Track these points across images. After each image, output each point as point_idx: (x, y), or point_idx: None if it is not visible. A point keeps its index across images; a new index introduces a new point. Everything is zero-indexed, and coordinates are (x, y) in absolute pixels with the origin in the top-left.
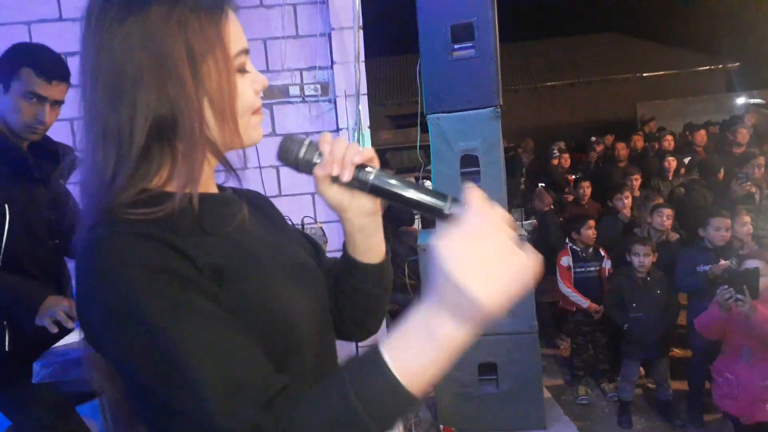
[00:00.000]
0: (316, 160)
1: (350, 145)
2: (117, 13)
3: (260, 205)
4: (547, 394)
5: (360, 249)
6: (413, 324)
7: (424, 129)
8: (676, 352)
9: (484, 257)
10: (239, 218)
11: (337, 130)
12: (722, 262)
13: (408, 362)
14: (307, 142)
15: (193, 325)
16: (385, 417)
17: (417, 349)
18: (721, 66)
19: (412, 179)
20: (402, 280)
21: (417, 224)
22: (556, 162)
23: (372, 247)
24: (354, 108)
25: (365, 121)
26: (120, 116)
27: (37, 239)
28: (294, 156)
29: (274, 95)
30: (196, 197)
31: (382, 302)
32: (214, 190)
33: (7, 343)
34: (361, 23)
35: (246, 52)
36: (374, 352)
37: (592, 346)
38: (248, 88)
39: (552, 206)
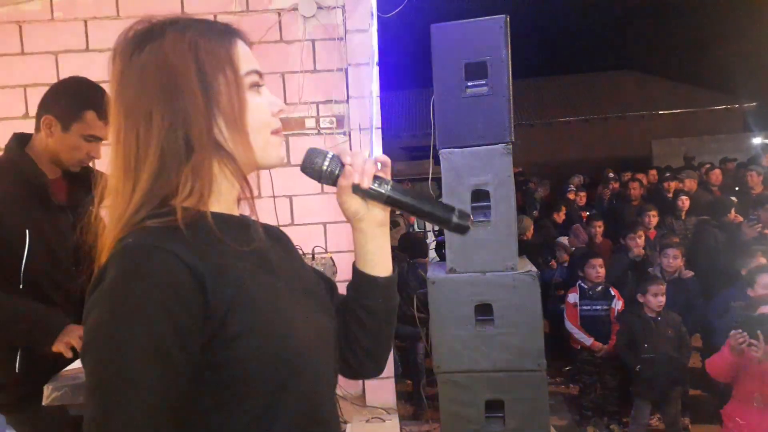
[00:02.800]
0: (338, 171)
1: (369, 158)
2: (136, 46)
3: (279, 237)
4: None
5: (371, 261)
6: None
7: (437, 161)
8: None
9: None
10: (257, 241)
11: None
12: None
13: None
14: (330, 154)
15: (144, 387)
16: None
17: None
18: (737, 105)
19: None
20: (411, 312)
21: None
22: (572, 196)
23: (381, 259)
24: (368, 140)
25: (378, 153)
26: (138, 137)
27: (59, 265)
28: (318, 167)
29: (291, 127)
30: (208, 212)
31: (390, 324)
32: (237, 213)
33: (17, 365)
34: (377, 59)
35: (258, 73)
36: None
37: (601, 387)
38: (263, 106)
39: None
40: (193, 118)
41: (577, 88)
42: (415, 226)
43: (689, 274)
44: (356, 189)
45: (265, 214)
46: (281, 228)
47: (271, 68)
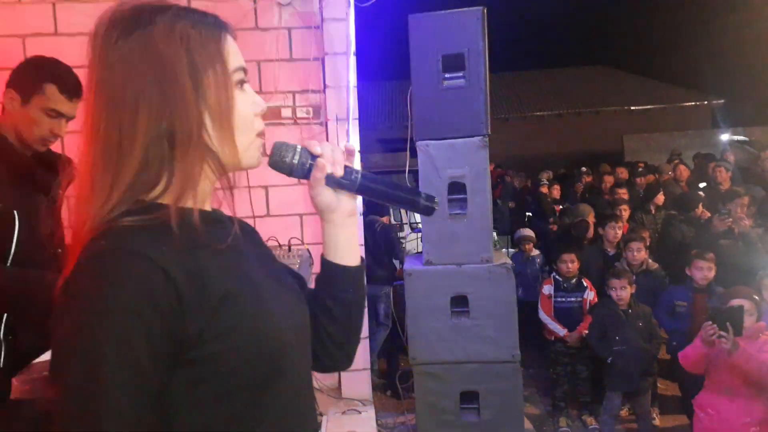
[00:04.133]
0: (309, 163)
1: (336, 147)
2: (122, 32)
3: (250, 232)
4: (528, 424)
5: (341, 251)
6: None
7: (414, 154)
8: (662, 385)
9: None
10: (232, 237)
11: None
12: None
13: None
14: (299, 147)
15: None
16: None
17: None
18: (706, 102)
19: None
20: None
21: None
22: (545, 190)
23: (351, 249)
24: (345, 131)
25: (357, 145)
26: (121, 129)
27: (40, 246)
28: (289, 161)
29: (267, 117)
30: (196, 210)
31: (359, 315)
32: (209, 208)
33: (2, 360)
34: (354, 49)
35: (244, 70)
36: None
37: (574, 378)
38: (247, 106)
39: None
40: (181, 114)
41: (550, 83)
42: (392, 219)
43: (654, 266)
44: (329, 180)
45: (240, 205)
46: (257, 219)
47: (246, 56)
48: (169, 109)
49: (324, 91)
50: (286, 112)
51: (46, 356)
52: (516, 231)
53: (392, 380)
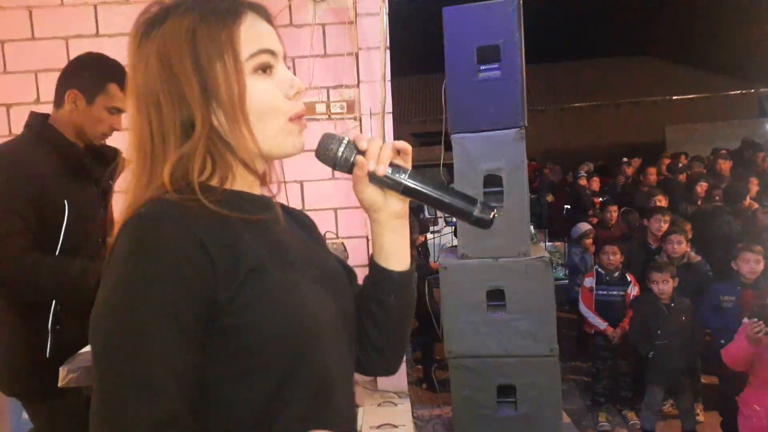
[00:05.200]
0: (354, 158)
1: (386, 144)
2: (144, 33)
3: (302, 219)
4: (566, 419)
5: (387, 253)
6: None
7: (448, 147)
8: (705, 380)
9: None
10: (274, 218)
11: None
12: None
13: None
14: (345, 140)
15: (159, 349)
16: None
17: None
18: (753, 91)
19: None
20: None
21: None
22: (583, 182)
23: (398, 252)
24: (378, 126)
25: (390, 138)
26: (151, 124)
27: (89, 236)
28: (333, 153)
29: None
30: (226, 189)
31: (403, 323)
32: (257, 192)
33: (48, 349)
34: (387, 44)
35: (269, 52)
36: None
37: (614, 373)
38: (270, 92)
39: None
40: (193, 107)
41: (589, 74)
42: (426, 213)
43: (696, 258)
44: (372, 177)
45: (277, 199)
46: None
47: None
48: (185, 103)
49: (358, 86)
50: (321, 108)
51: None
52: (573, 227)
53: (428, 373)
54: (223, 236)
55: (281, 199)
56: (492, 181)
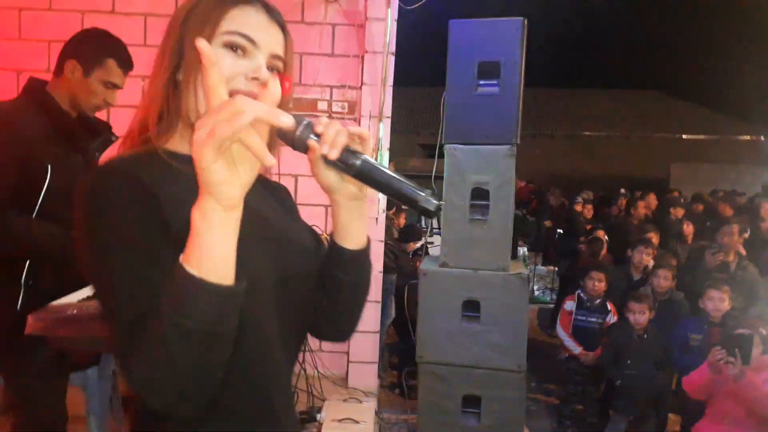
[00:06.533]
0: (310, 140)
1: (342, 129)
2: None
3: (277, 189)
4: None
5: (342, 231)
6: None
7: (443, 157)
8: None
9: (204, 131)
10: None
11: None
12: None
13: (200, 258)
14: (305, 122)
15: (134, 262)
16: (201, 312)
17: (200, 241)
18: (762, 138)
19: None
20: None
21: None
22: (579, 208)
23: (353, 232)
24: (377, 129)
25: (386, 142)
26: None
27: (69, 203)
28: (291, 136)
29: (303, 108)
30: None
31: (354, 299)
32: None
33: (20, 302)
34: (392, 49)
35: (244, 36)
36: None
37: (584, 398)
38: (231, 65)
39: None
40: (163, 62)
41: (602, 103)
42: (423, 223)
43: (680, 295)
44: (326, 161)
45: None
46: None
47: None
48: (169, 63)
49: (360, 88)
50: (322, 105)
51: (62, 300)
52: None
53: (401, 379)
54: (170, 186)
55: None
56: (479, 194)
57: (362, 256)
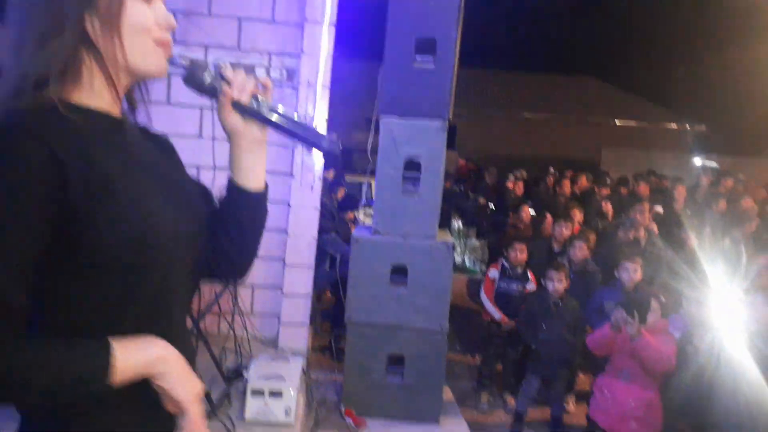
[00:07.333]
0: (220, 86)
1: (250, 76)
2: None
3: (163, 144)
4: (451, 396)
5: (244, 173)
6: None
7: (378, 130)
8: (584, 377)
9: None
10: (128, 139)
11: None
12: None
13: (125, 378)
14: (212, 68)
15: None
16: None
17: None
18: (688, 126)
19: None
20: None
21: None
22: (510, 185)
23: (255, 173)
24: (315, 98)
25: (323, 112)
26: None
27: None
28: (200, 80)
29: None
30: (73, 103)
31: (254, 236)
32: (117, 114)
33: None
34: (333, 19)
35: None
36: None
37: (503, 359)
38: (145, 13)
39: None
40: (64, 7)
41: (541, 87)
42: (365, 198)
43: (593, 266)
44: (235, 105)
45: (204, 155)
46: (217, 171)
47: (228, 11)
48: (63, 11)
49: (300, 56)
50: (260, 72)
51: None
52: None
53: (332, 342)
54: (76, 146)
55: (207, 156)
56: (412, 166)
57: (262, 197)
